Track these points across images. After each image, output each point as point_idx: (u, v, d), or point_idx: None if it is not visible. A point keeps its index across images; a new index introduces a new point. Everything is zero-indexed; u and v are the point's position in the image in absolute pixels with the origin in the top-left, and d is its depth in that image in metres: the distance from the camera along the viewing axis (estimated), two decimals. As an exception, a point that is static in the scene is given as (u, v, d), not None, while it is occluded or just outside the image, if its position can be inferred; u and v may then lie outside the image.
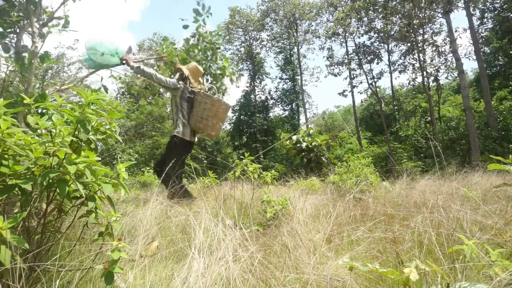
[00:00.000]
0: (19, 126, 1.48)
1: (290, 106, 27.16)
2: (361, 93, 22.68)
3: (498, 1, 15.94)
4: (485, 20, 17.08)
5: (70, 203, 1.45)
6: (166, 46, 3.89)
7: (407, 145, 18.96)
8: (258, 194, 3.24)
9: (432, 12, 16.19)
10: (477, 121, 14.51)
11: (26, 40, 2.30)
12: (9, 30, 2.26)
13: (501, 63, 17.79)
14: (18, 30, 2.26)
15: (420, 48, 17.31)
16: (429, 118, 18.85)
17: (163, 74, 3.93)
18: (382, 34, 18.32)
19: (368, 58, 20.28)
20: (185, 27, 4.34)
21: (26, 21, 2.23)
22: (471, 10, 14.47)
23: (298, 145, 8.68)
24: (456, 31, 16.47)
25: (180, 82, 3.41)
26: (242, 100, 26.46)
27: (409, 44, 17.52)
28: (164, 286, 1.42)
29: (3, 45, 2.27)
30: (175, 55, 3.94)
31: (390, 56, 19.72)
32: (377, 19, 18.35)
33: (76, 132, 1.36)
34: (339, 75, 21.60)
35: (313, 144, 8.48)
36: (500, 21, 15.46)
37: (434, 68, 17.93)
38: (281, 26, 25.74)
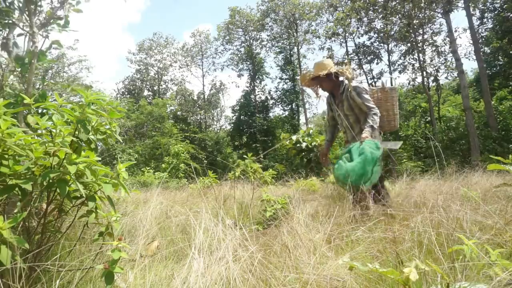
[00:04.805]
0: (19, 126, 1.47)
1: (290, 106, 27.17)
2: (361, 93, 22.61)
3: (498, 1, 15.95)
4: (485, 20, 17.11)
5: (70, 203, 1.45)
6: None
7: (407, 145, 18.92)
8: (258, 194, 3.24)
9: (432, 12, 16.18)
10: (477, 121, 14.51)
11: (21, 39, 2.30)
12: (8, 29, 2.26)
13: (501, 63, 17.79)
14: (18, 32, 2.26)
15: (420, 48, 17.30)
16: (429, 118, 18.83)
17: None
18: (382, 34, 18.31)
19: (368, 58, 20.28)
20: None
21: (26, 21, 2.22)
22: (471, 10, 14.48)
23: (298, 145, 8.66)
24: (456, 31, 16.45)
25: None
26: (242, 100, 26.48)
27: (409, 44, 17.51)
28: (164, 286, 1.42)
29: (3, 46, 2.27)
30: None
31: (390, 56, 19.76)
32: (377, 19, 18.35)
33: (76, 132, 1.36)
34: (339, 75, 21.55)
35: (313, 144, 8.48)
36: (500, 21, 15.46)
37: (434, 68, 17.93)
38: (281, 26, 25.74)
